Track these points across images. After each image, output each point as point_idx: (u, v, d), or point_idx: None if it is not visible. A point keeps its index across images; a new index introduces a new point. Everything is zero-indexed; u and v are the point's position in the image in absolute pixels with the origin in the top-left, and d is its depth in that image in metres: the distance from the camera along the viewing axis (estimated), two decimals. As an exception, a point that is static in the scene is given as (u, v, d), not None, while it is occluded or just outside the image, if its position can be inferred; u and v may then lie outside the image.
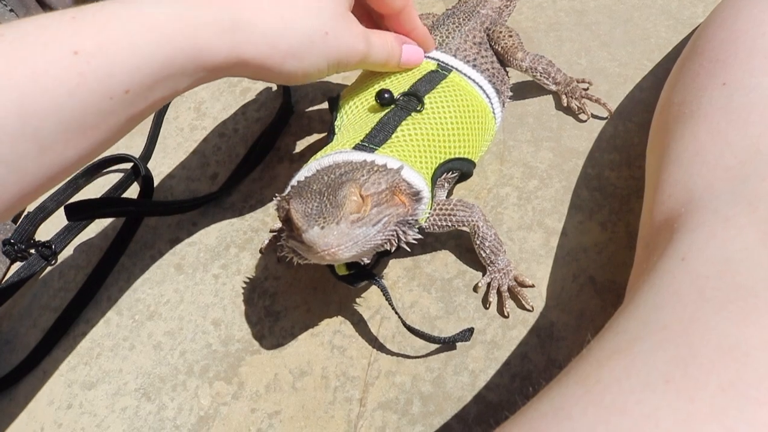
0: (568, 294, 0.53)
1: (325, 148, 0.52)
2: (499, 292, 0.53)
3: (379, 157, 0.48)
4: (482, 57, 0.58)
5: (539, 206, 0.57)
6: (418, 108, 0.52)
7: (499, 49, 0.60)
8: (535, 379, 0.50)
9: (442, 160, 0.52)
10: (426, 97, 0.53)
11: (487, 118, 0.57)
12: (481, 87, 0.57)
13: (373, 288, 0.56)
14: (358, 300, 0.56)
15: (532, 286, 0.53)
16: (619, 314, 0.35)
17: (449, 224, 0.52)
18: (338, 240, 0.42)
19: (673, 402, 0.26)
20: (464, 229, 0.53)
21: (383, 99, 0.52)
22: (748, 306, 0.29)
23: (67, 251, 0.67)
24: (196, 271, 0.62)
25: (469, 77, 0.57)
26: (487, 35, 0.60)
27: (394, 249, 0.47)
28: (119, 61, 0.38)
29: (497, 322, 0.53)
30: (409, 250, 0.48)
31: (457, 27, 0.60)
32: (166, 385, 0.56)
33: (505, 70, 0.61)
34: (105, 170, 0.72)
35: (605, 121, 0.61)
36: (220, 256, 0.62)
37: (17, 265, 0.68)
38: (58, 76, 0.35)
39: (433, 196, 0.51)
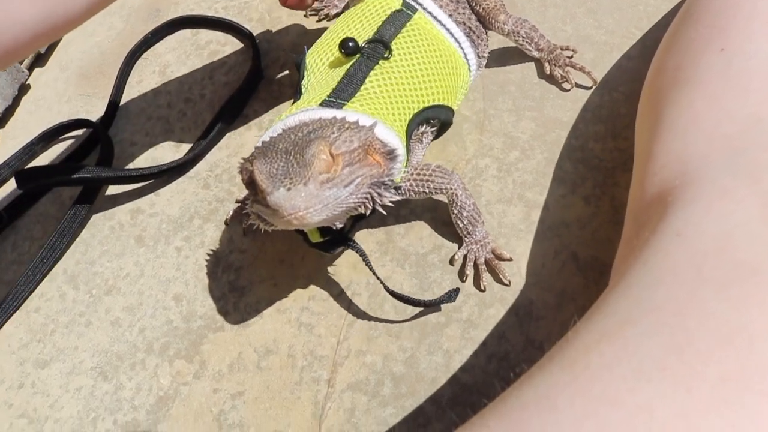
0: (548, 271, 0.51)
1: (290, 107, 0.49)
2: (476, 265, 0.51)
3: (350, 113, 0.45)
4: (459, 13, 0.55)
5: (520, 179, 0.55)
6: (385, 55, 0.49)
7: (480, 10, 0.56)
8: (513, 360, 0.48)
9: (416, 110, 0.49)
10: (392, 42, 0.50)
11: (458, 63, 0.53)
12: (449, 31, 0.54)
13: (344, 261, 0.53)
14: (328, 274, 0.53)
15: (510, 259, 0.51)
16: (608, 294, 0.33)
17: (426, 190, 0.49)
18: (306, 202, 0.38)
19: (669, 393, 0.24)
20: (441, 198, 0.50)
21: (347, 48, 0.48)
22: (750, 286, 0.26)
23: (22, 220, 0.63)
24: (157, 244, 0.58)
25: (437, 18, 0.54)
26: None
27: (369, 212, 0.44)
28: None
29: (473, 300, 0.50)
30: (384, 213, 0.46)
31: None
32: (124, 364, 0.53)
33: (486, 34, 0.58)
34: (63, 136, 0.68)
35: (590, 91, 0.58)
36: (183, 228, 0.59)
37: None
38: None
39: (409, 152, 0.48)
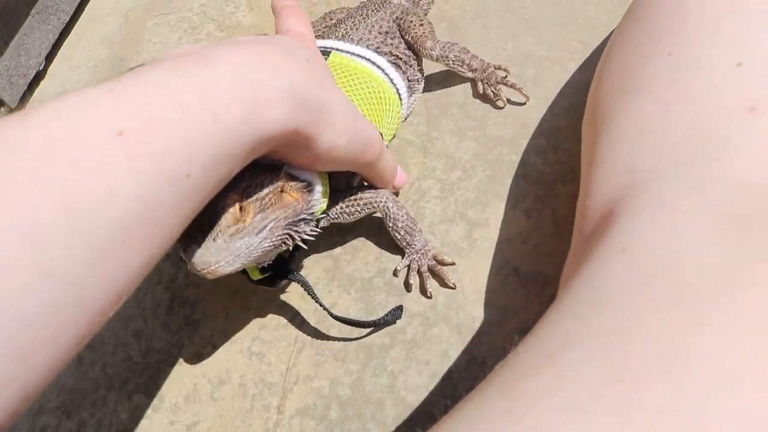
0: (491, 287, 0.51)
1: None
2: (419, 273, 0.52)
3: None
4: (386, 45, 0.56)
5: (462, 198, 0.56)
6: None
7: (409, 38, 0.58)
8: (456, 378, 0.48)
9: None
10: None
11: (382, 88, 0.54)
12: (370, 61, 0.55)
13: (294, 290, 0.54)
14: (277, 303, 0.54)
15: (453, 263, 0.52)
16: (550, 312, 0.31)
17: (358, 209, 0.50)
18: (216, 256, 0.40)
19: (602, 426, 0.22)
20: (376, 214, 0.51)
21: None
22: (692, 311, 0.25)
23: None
24: (119, 283, 0.60)
25: (355, 54, 0.55)
26: (398, 25, 0.58)
27: (290, 248, 0.45)
28: (174, 137, 0.30)
29: (417, 320, 0.51)
30: (306, 247, 0.47)
31: (363, 18, 0.58)
32: (86, 401, 0.54)
33: (419, 63, 0.59)
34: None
35: (532, 107, 0.59)
36: (144, 266, 0.60)
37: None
38: (104, 161, 0.27)
39: (330, 178, 0.49)
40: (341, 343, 0.51)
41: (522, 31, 0.64)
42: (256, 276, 0.49)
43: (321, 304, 0.49)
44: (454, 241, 0.54)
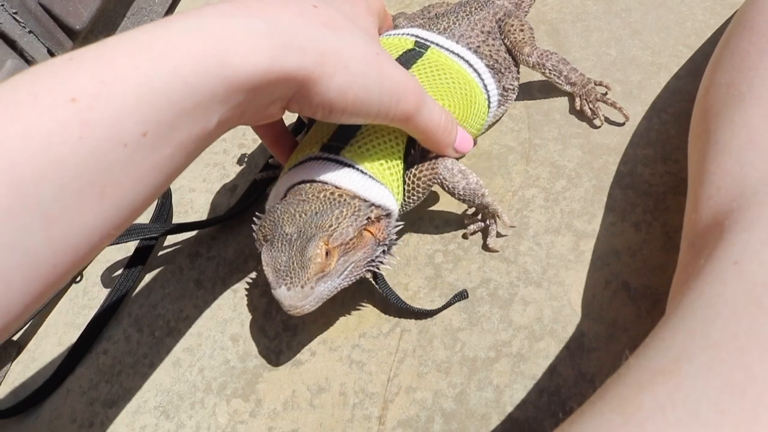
0: (599, 301, 0.49)
1: (298, 147, 0.51)
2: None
3: (347, 174, 0.47)
4: (487, 46, 0.55)
5: (568, 208, 0.54)
6: None
7: (508, 43, 0.56)
8: (564, 394, 0.47)
9: None
10: None
11: (472, 89, 0.53)
12: (468, 62, 0.54)
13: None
14: (378, 311, 0.54)
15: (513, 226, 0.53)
16: (661, 327, 0.31)
17: (419, 191, 0.50)
18: (302, 301, 0.44)
19: None
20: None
21: None
22: None
23: (92, 268, 0.67)
24: (215, 286, 0.60)
25: (454, 52, 0.54)
26: (499, 27, 0.57)
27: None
28: (129, 100, 0.30)
29: (523, 334, 0.49)
30: (389, 268, 0.50)
31: (466, 15, 0.56)
32: (185, 403, 0.55)
33: (518, 70, 0.58)
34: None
35: (638, 114, 0.57)
36: (239, 270, 0.60)
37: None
38: (54, 130, 0.28)
39: (404, 169, 0.50)
40: (444, 354, 0.50)
41: (626, 35, 0.62)
42: None
43: (386, 295, 0.52)
44: (560, 252, 0.52)
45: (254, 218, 0.50)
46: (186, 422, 0.54)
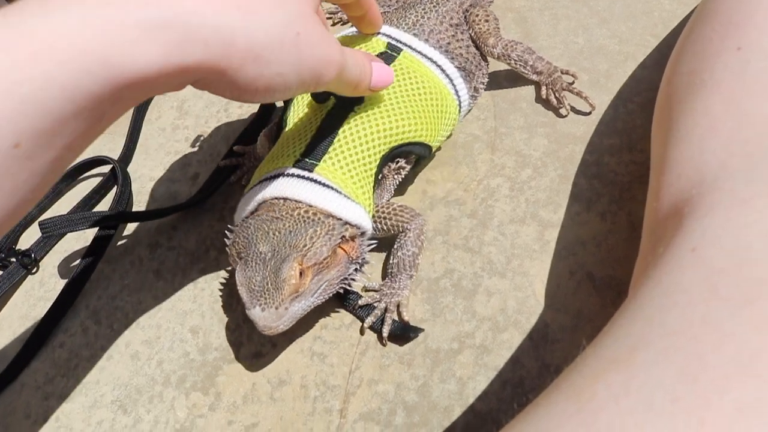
0: (564, 292, 0.49)
1: (268, 157, 0.51)
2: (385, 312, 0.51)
3: (321, 192, 0.46)
4: (457, 41, 0.54)
5: (533, 197, 0.53)
6: (356, 103, 0.49)
7: (473, 34, 0.56)
8: (528, 386, 0.46)
9: (385, 151, 0.49)
10: None
11: (444, 99, 0.52)
12: (440, 66, 0.53)
13: (357, 290, 0.53)
14: (339, 303, 0.53)
15: (416, 328, 0.50)
16: (619, 315, 0.31)
17: (385, 228, 0.51)
18: (276, 321, 0.44)
19: (680, 427, 0.22)
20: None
21: (318, 96, 0.49)
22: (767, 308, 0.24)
23: (49, 258, 0.65)
24: (175, 277, 0.59)
25: (424, 54, 0.53)
26: (465, 17, 0.56)
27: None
28: None
29: (486, 325, 0.49)
30: (360, 284, 0.52)
31: (434, 7, 0.55)
32: (143, 397, 0.53)
33: (487, 67, 0.57)
34: (86, 173, 0.69)
35: (604, 103, 0.56)
36: (200, 260, 0.59)
37: (-1, 274, 0.65)
38: None
39: (375, 187, 0.50)
40: (407, 346, 0.49)
41: (593, 24, 0.61)
42: None
43: (355, 314, 0.52)
44: (525, 242, 0.51)
45: (226, 231, 0.50)
46: (144, 416, 0.53)
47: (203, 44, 0.31)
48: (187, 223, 0.62)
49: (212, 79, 0.34)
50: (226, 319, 0.55)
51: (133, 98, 0.32)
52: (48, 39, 0.28)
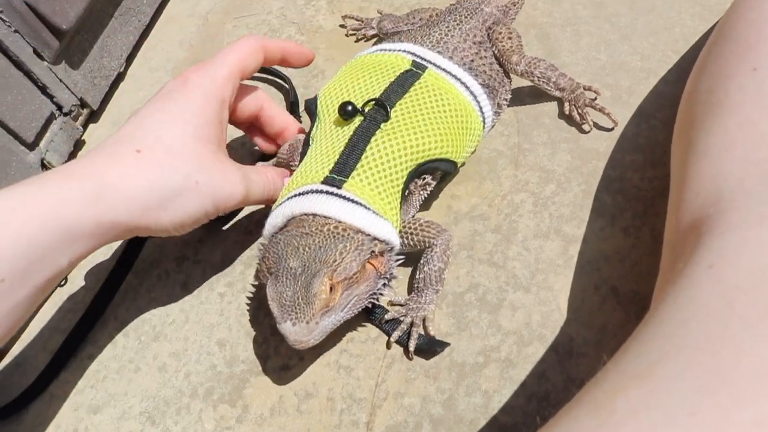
0: (588, 306, 0.49)
1: (296, 172, 0.51)
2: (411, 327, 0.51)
3: (350, 209, 0.47)
4: (480, 58, 0.55)
5: (557, 212, 0.54)
6: (385, 120, 0.50)
7: (496, 51, 0.57)
8: (553, 399, 0.46)
9: (412, 167, 0.50)
10: (398, 103, 0.51)
11: (469, 116, 0.53)
12: (464, 84, 0.54)
13: (383, 303, 0.53)
14: (365, 317, 0.53)
15: (441, 342, 0.50)
16: (639, 331, 0.32)
17: (411, 243, 0.51)
18: (307, 336, 0.45)
19: None
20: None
21: (346, 113, 0.50)
22: None
23: (77, 271, 0.66)
24: (201, 290, 0.60)
25: (449, 72, 0.54)
26: (488, 35, 0.57)
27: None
28: None
29: (512, 339, 0.49)
30: (388, 299, 0.52)
31: (457, 25, 0.56)
32: (171, 409, 0.54)
33: (510, 83, 0.58)
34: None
35: (627, 119, 0.57)
36: (226, 274, 0.60)
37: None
38: None
39: (401, 203, 0.50)
40: (433, 359, 0.50)
41: (615, 40, 0.62)
42: None
43: (380, 327, 0.53)
44: (549, 257, 0.52)
45: (258, 247, 0.51)
46: (172, 428, 0.53)
47: (125, 209, 0.44)
48: (212, 237, 0.63)
49: (140, 231, 0.47)
50: (254, 333, 0.56)
51: (87, 246, 0.44)
52: (13, 206, 0.40)
